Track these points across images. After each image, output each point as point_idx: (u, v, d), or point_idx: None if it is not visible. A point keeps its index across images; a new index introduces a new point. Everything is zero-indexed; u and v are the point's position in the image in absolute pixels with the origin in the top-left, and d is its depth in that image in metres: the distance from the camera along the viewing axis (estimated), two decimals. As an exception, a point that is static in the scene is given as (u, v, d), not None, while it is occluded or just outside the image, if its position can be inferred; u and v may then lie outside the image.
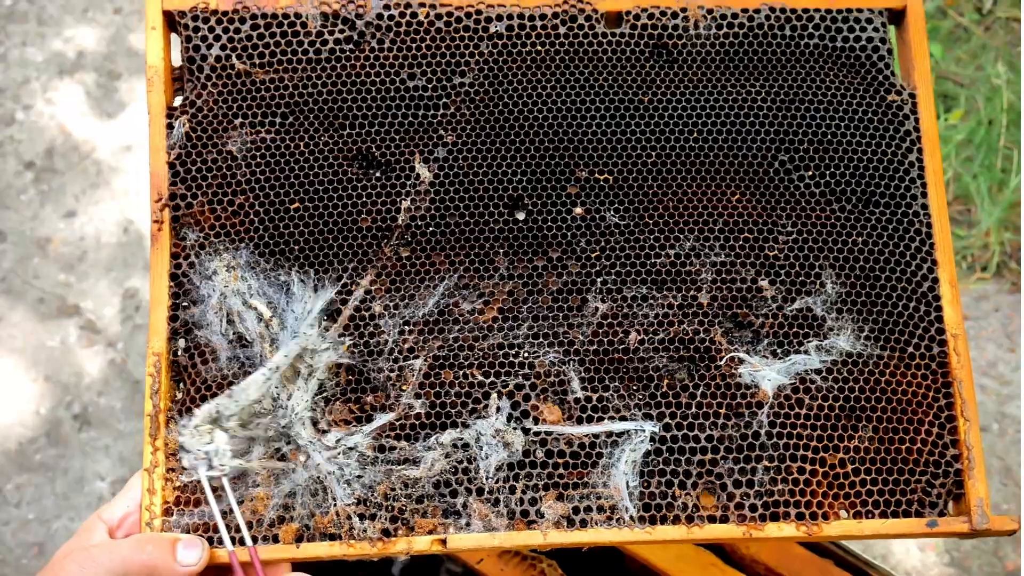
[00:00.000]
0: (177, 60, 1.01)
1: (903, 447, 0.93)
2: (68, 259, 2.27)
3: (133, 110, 2.44)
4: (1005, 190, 2.26)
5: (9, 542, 2.04)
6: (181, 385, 0.95)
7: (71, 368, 2.18)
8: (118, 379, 2.17)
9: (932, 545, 1.99)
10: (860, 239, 0.97)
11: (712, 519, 0.91)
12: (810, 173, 0.99)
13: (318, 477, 0.92)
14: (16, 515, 2.07)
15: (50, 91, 2.44)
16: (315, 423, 0.93)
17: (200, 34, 0.99)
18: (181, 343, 0.95)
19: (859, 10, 1.02)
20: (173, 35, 1.02)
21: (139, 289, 2.24)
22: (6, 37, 2.48)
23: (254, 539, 0.90)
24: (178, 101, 1.00)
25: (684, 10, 1.01)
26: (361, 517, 0.91)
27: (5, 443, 2.12)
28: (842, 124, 1.00)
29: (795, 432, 0.92)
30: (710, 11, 1.02)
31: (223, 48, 0.99)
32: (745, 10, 1.02)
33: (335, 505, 0.91)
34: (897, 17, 1.03)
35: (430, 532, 0.90)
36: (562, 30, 1.01)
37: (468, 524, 0.91)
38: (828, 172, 0.99)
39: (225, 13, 1.00)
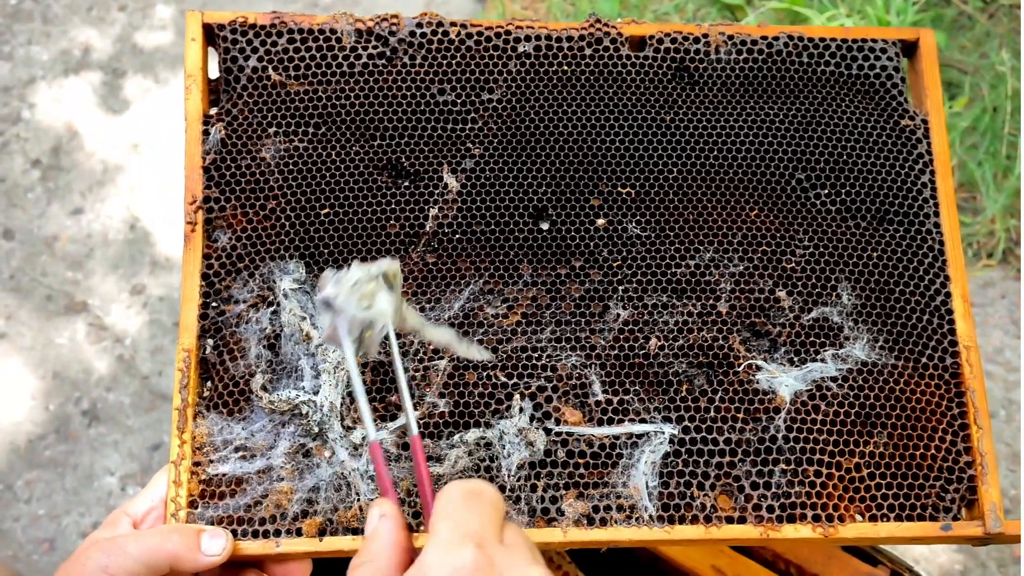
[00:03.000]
0: (213, 73, 1.11)
1: (917, 453, 1.01)
2: (75, 256, 2.37)
3: (139, 108, 2.56)
4: (1010, 176, 2.37)
5: (20, 538, 2.10)
6: (209, 384, 1.03)
7: (79, 365, 2.27)
8: (126, 375, 2.25)
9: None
10: (875, 254, 1.06)
11: (730, 520, 0.98)
12: (826, 191, 1.08)
13: (342, 473, 0.99)
14: (26, 511, 2.13)
15: (56, 89, 2.57)
16: (340, 419, 1.00)
17: (238, 46, 1.09)
18: (210, 341, 1.03)
19: (874, 40, 1.13)
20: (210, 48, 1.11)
21: (146, 285, 2.33)
22: (12, 36, 2.62)
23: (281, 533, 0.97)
24: (213, 110, 1.10)
25: (705, 36, 1.12)
26: (384, 512, 0.97)
27: (15, 440, 2.19)
28: (857, 146, 1.09)
29: (811, 436, 1.00)
30: (730, 37, 1.12)
31: (260, 60, 1.09)
32: (764, 37, 1.12)
33: (358, 500, 0.98)
34: (910, 49, 1.14)
35: (452, 528, 0.97)
36: (588, 52, 1.11)
37: (489, 521, 0.97)
38: (844, 190, 1.08)
39: (263, 27, 1.10)
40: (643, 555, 1.31)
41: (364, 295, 0.88)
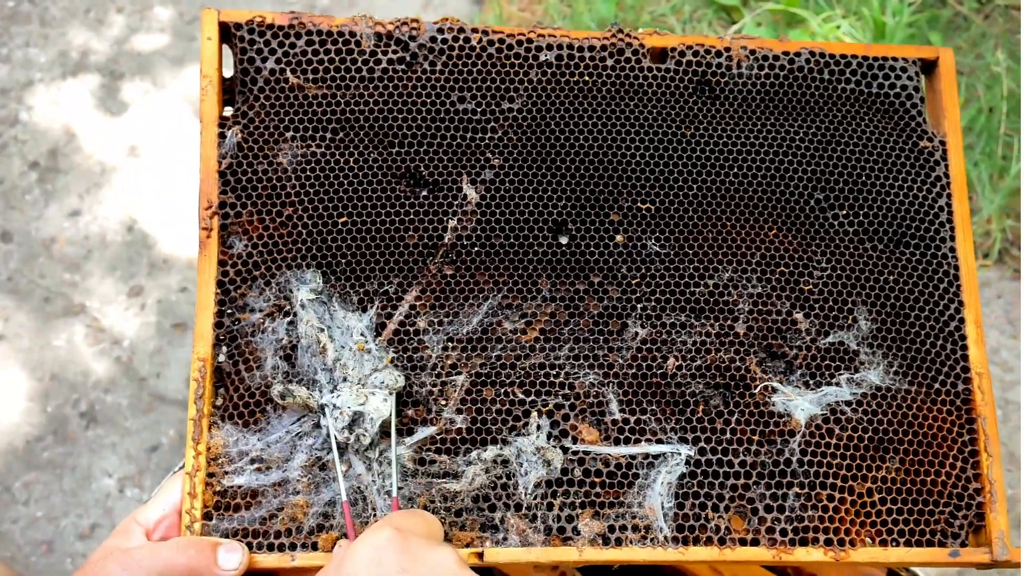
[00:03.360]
0: (227, 72, 1.09)
1: (928, 479, 1.03)
2: (73, 258, 2.36)
3: (137, 110, 2.55)
4: (1006, 177, 2.40)
5: (18, 540, 2.11)
6: (222, 391, 1.02)
7: (77, 366, 2.27)
8: (124, 377, 2.25)
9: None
10: (891, 278, 1.07)
11: (743, 542, 1.00)
12: (844, 212, 1.09)
13: (359, 487, 0.99)
14: (24, 513, 2.14)
15: (54, 91, 2.54)
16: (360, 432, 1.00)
17: (255, 47, 1.07)
18: (224, 350, 1.02)
19: (894, 59, 1.13)
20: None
21: (144, 287, 2.33)
22: (9, 38, 2.59)
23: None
24: (228, 110, 1.08)
25: (728, 50, 1.11)
26: (400, 528, 0.98)
27: (13, 441, 2.19)
28: (876, 166, 1.10)
29: (825, 460, 1.02)
30: (752, 52, 1.12)
31: (277, 62, 1.07)
32: (786, 53, 1.12)
33: (375, 515, 0.98)
34: (929, 67, 1.14)
35: (467, 545, 0.98)
36: (609, 62, 1.11)
37: (505, 538, 0.98)
38: (862, 212, 1.09)
39: (281, 28, 1.08)
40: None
41: (360, 394, 0.99)
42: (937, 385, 1.05)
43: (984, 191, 2.38)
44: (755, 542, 1.00)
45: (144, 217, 2.42)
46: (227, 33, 1.09)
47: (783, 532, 1.00)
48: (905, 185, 1.10)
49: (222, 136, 1.06)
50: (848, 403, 1.04)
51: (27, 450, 2.20)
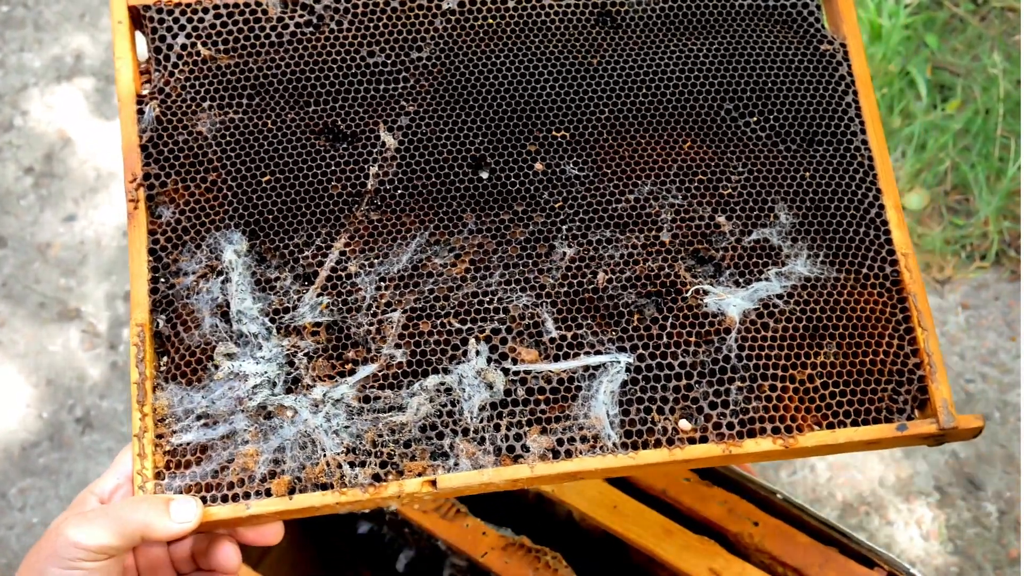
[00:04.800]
0: (143, 54, 1.13)
1: (867, 360, 1.05)
2: (68, 263, 2.39)
3: None
4: (1003, 179, 2.44)
5: (14, 546, 2.10)
6: (164, 359, 1.04)
7: (73, 372, 2.28)
8: (120, 382, 2.27)
9: (936, 533, 2.09)
10: (807, 174, 1.10)
11: (692, 441, 1.01)
12: (755, 119, 1.12)
13: (306, 431, 1.00)
14: (20, 519, 2.14)
15: (48, 96, 2.60)
16: (299, 380, 1.02)
17: (165, 25, 1.11)
18: (162, 316, 1.04)
19: (787, -28, 1.18)
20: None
21: None
22: (3, 43, 2.65)
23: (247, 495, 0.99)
24: (147, 90, 1.11)
25: (624, -20, 1.16)
26: (351, 465, 0.99)
27: (8, 447, 2.20)
28: (781, 73, 1.14)
29: (763, 353, 1.04)
30: (648, -21, 1.16)
31: (188, 37, 1.11)
32: (681, -23, 1.16)
33: (325, 455, 0.99)
34: (822, -21, 1.19)
35: (419, 474, 0.99)
36: (511, 4, 1.15)
37: (456, 464, 1.00)
38: (772, 116, 1.13)
39: (188, 5, 1.12)
40: (639, 558, 1.33)
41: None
42: (865, 270, 1.08)
43: (981, 193, 2.42)
44: (704, 439, 1.02)
45: (139, 221, 2.47)
46: (139, 16, 1.12)
47: (730, 426, 1.02)
48: (811, 87, 1.14)
49: (140, 112, 1.09)
50: (779, 296, 1.06)
51: (23, 456, 2.21)
